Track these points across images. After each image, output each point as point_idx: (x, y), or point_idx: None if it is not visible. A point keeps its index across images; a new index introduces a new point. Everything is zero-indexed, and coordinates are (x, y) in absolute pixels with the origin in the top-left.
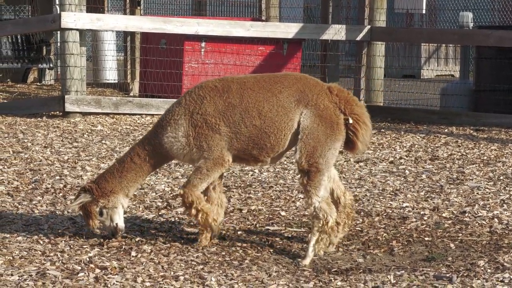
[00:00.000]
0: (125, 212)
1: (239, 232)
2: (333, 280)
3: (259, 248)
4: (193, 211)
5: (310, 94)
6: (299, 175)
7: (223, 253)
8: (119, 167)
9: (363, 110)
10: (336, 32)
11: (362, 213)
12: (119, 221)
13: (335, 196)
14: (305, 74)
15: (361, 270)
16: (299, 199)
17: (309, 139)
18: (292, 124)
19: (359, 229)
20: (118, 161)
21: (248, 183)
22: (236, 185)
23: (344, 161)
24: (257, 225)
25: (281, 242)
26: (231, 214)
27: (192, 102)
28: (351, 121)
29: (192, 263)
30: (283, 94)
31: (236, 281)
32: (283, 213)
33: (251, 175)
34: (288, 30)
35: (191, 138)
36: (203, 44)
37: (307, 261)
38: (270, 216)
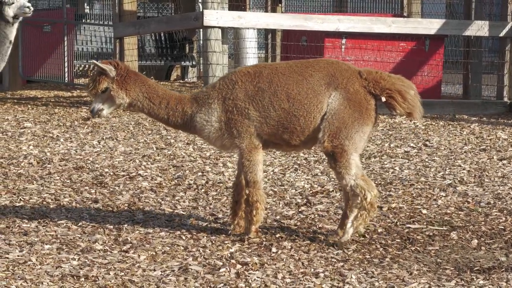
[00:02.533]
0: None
1: (379, 230)
2: (475, 279)
3: (399, 246)
4: (254, 211)
5: (341, 77)
6: (327, 160)
7: (363, 250)
8: (155, 89)
9: (393, 80)
10: (479, 28)
11: (505, 211)
12: (107, 110)
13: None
14: (337, 59)
15: (504, 269)
16: (441, 197)
17: (333, 119)
18: (321, 107)
19: (502, 227)
20: (162, 89)
21: (388, 181)
22: (376, 182)
23: (488, 159)
24: (398, 223)
25: (422, 241)
26: None
27: (225, 87)
28: (383, 99)
29: (332, 260)
30: (313, 77)
31: (376, 279)
32: (424, 211)
33: (392, 173)
34: (430, 26)
35: (222, 123)
36: (343, 41)
37: (345, 238)
38: (411, 214)
